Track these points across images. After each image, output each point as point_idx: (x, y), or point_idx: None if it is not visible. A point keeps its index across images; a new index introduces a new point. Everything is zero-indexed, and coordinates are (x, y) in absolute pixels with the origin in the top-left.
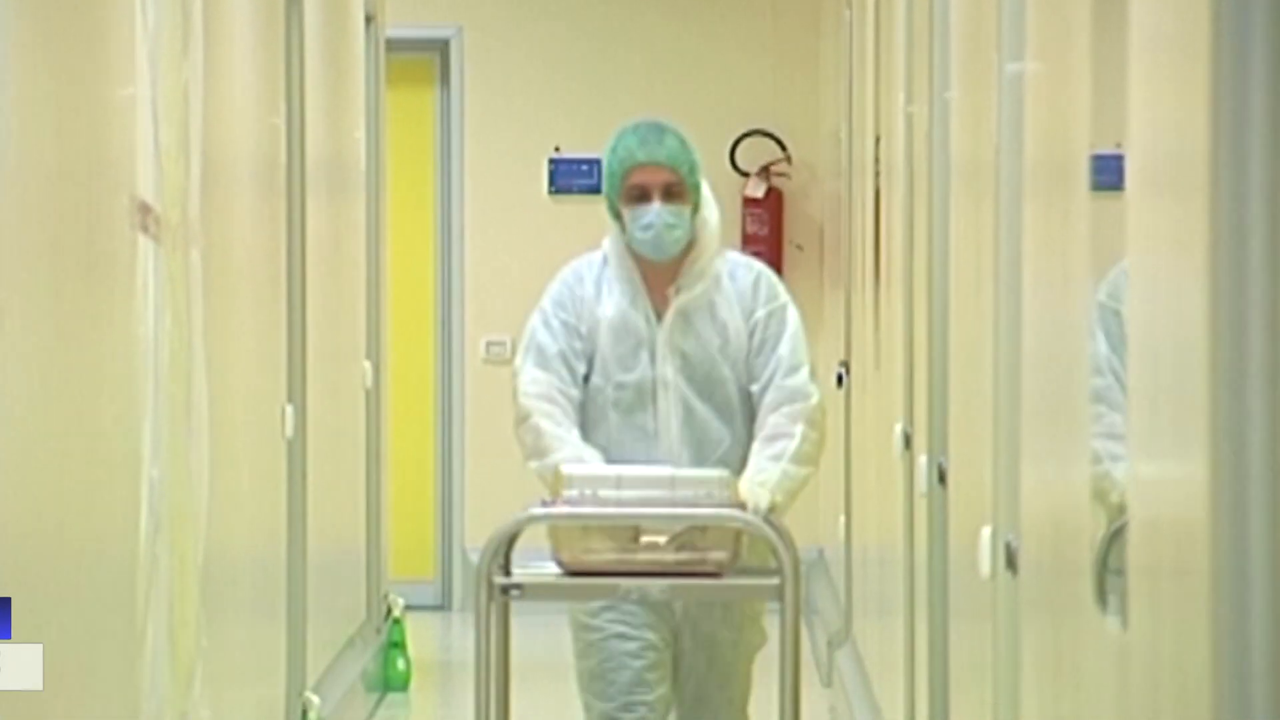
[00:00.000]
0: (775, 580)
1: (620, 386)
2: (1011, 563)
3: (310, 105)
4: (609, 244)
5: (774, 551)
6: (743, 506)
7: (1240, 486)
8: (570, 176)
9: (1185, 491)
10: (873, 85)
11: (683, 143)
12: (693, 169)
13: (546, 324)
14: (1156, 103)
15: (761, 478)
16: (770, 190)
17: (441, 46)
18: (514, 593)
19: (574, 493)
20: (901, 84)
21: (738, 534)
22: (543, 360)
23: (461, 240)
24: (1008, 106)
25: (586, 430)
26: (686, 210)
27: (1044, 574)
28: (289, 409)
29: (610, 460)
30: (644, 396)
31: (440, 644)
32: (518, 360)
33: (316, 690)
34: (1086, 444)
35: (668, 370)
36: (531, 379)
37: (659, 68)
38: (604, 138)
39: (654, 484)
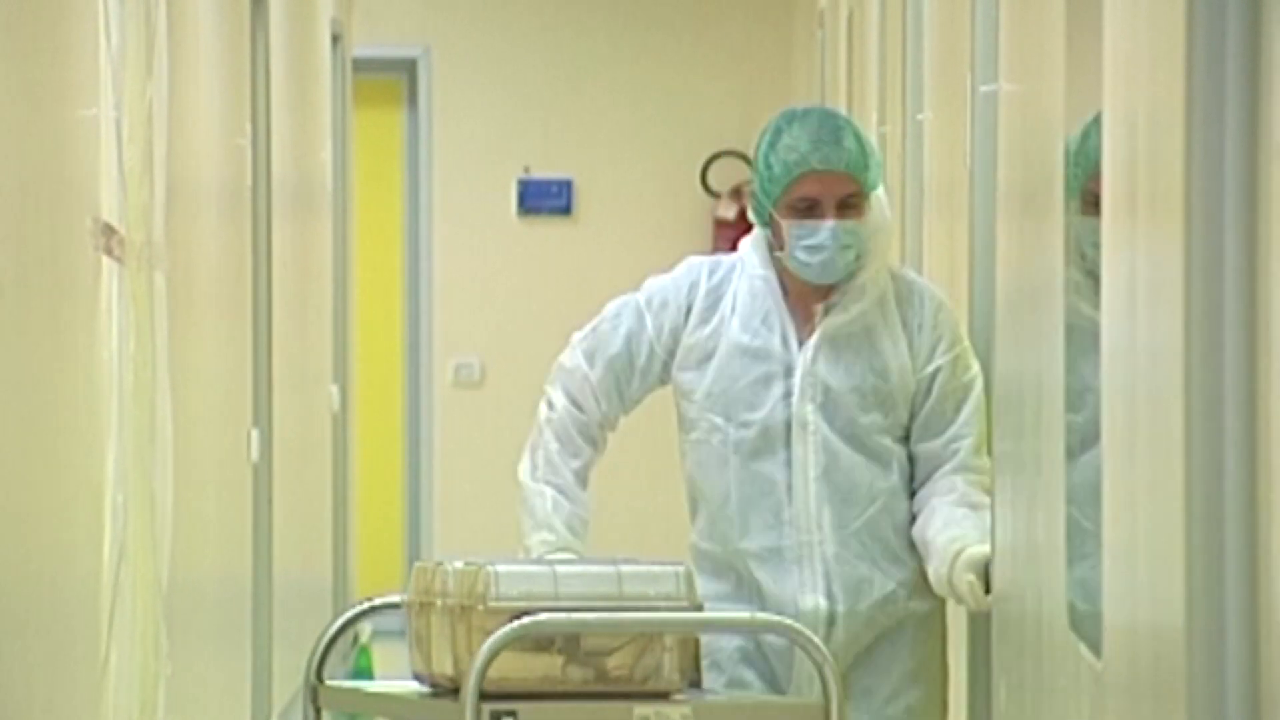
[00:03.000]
0: (820, 700)
1: (745, 426)
2: (988, 586)
3: (276, 126)
4: (749, 250)
5: (819, 667)
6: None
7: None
8: (540, 197)
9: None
10: (845, 106)
11: (861, 141)
12: (873, 171)
13: (619, 327)
14: (1131, 122)
15: (972, 555)
16: (742, 211)
17: (409, 66)
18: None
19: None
20: (874, 104)
21: (695, 644)
22: (581, 384)
23: (429, 262)
24: (981, 127)
25: (699, 482)
26: (863, 225)
27: (1015, 592)
28: (255, 433)
29: (731, 519)
30: (774, 440)
31: (408, 671)
32: (564, 356)
33: (282, 717)
34: (1060, 465)
35: (807, 409)
36: (558, 405)
37: (629, 87)
38: (574, 158)
39: (598, 580)
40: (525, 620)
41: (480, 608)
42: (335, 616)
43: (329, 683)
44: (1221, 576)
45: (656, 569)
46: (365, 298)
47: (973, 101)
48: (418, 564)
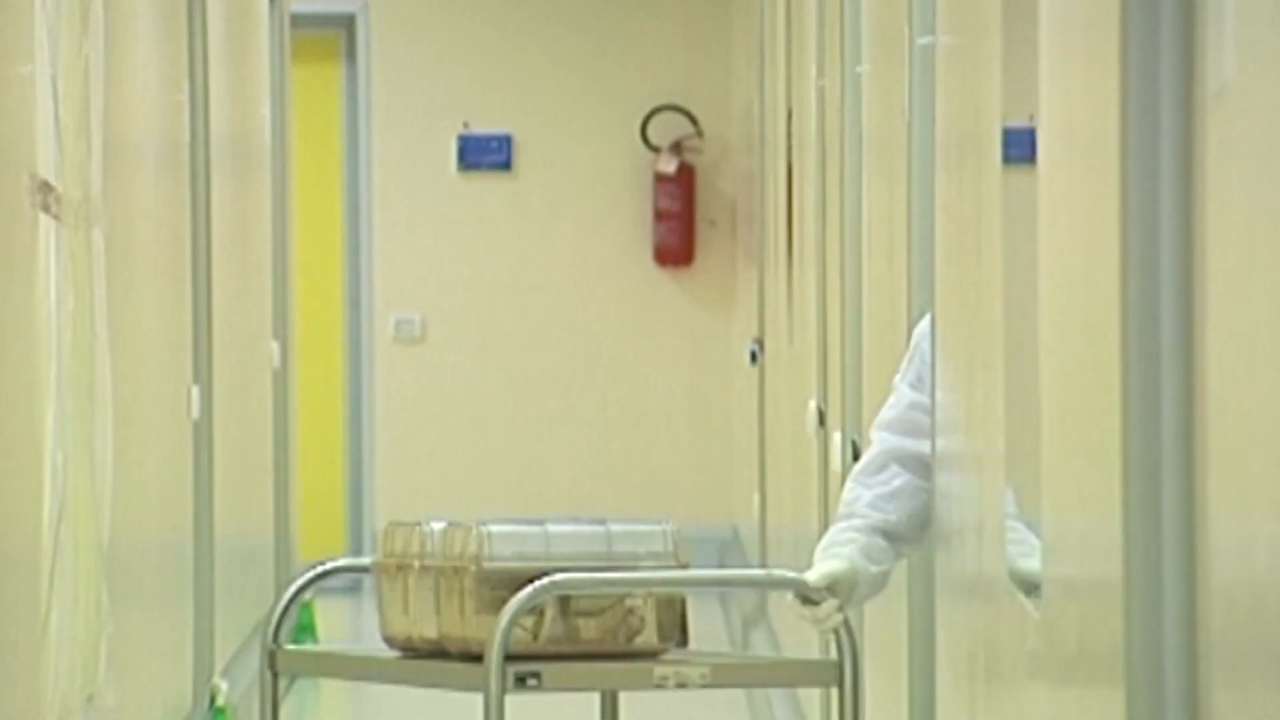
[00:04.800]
0: (832, 658)
1: None
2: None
3: (214, 82)
4: None
5: (836, 628)
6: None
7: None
8: (479, 153)
9: (1099, 483)
10: (784, 59)
11: None
12: None
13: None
14: (1068, 75)
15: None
16: (682, 166)
17: (347, 22)
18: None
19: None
20: (813, 58)
21: (681, 604)
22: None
23: (369, 218)
24: (919, 80)
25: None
26: None
27: (954, 547)
28: (195, 390)
29: None
30: None
31: (350, 627)
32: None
33: (225, 675)
34: (1000, 417)
35: None
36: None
37: (569, 42)
38: (513, 114)
39: (589, 540)
40: (558, 578)
41: (473, 568)
42: (278, 573)
43: (288, 647)
44: (1158, 527)
45: (643, 528)
46: (305, 254)
47: (911, 54)
48: (390, 524)
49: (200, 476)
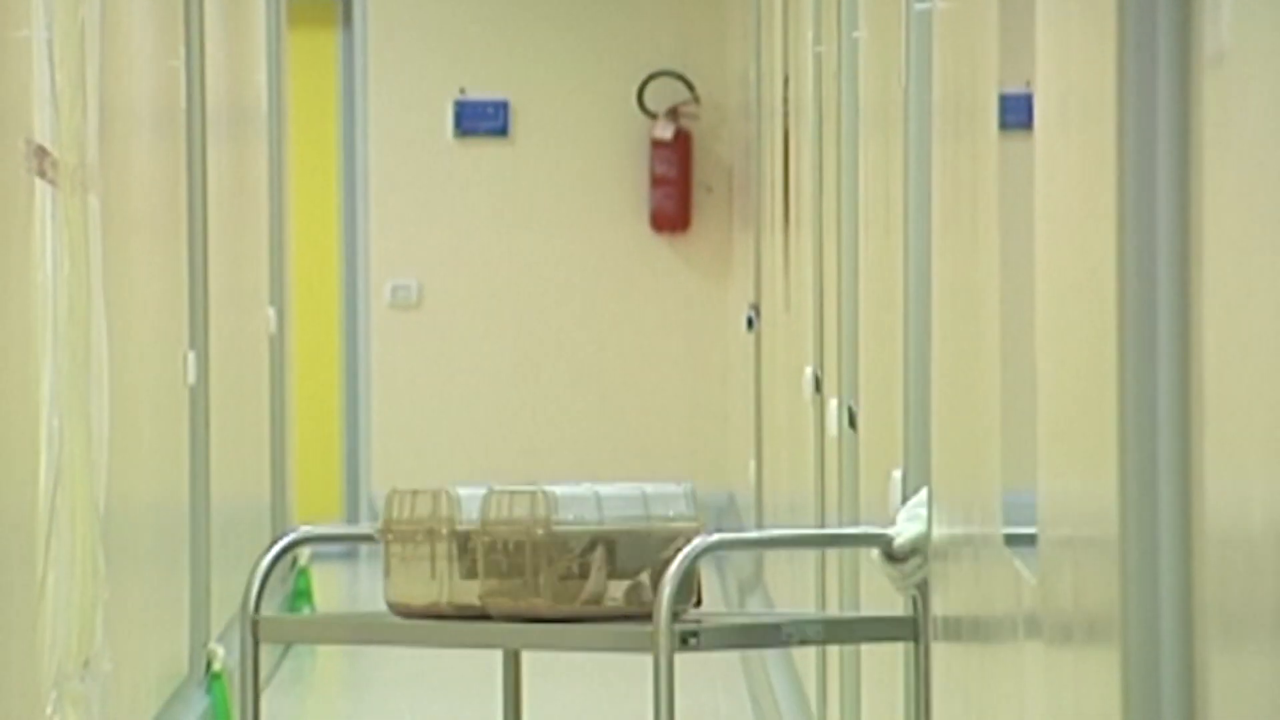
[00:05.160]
0: (909, 615)
1: None
2: None
3: (210, 47)
4: None
5: (917, 585)
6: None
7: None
8: (475, 119)
9: (1094, 454)
10: (781, 25)
11: None
12: None
13: None
14: (1065, 41)
15: None
16: (679, 132)
17: None
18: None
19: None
20: (810, 23)
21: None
22: None
23: (365, 184)
24: (916, 46)
25: None
26: None
27: (954, 518)
28: (191, 355)
29: None
30: None
31: (347, 593)
32: None
33: (221, 640)
34: (996, 385)
35: None
36: None
37: (565, 8)
38: (510, 80)
39: (629, 503)
40: (713, 538)
41: (541, 531)
42: (274, 538)
43: (268, 614)
44: (1154, 488)
45: (668, 489)
46: (301, 220)
47: (908, 20)
48: (395, 490)
49: (196, 442)
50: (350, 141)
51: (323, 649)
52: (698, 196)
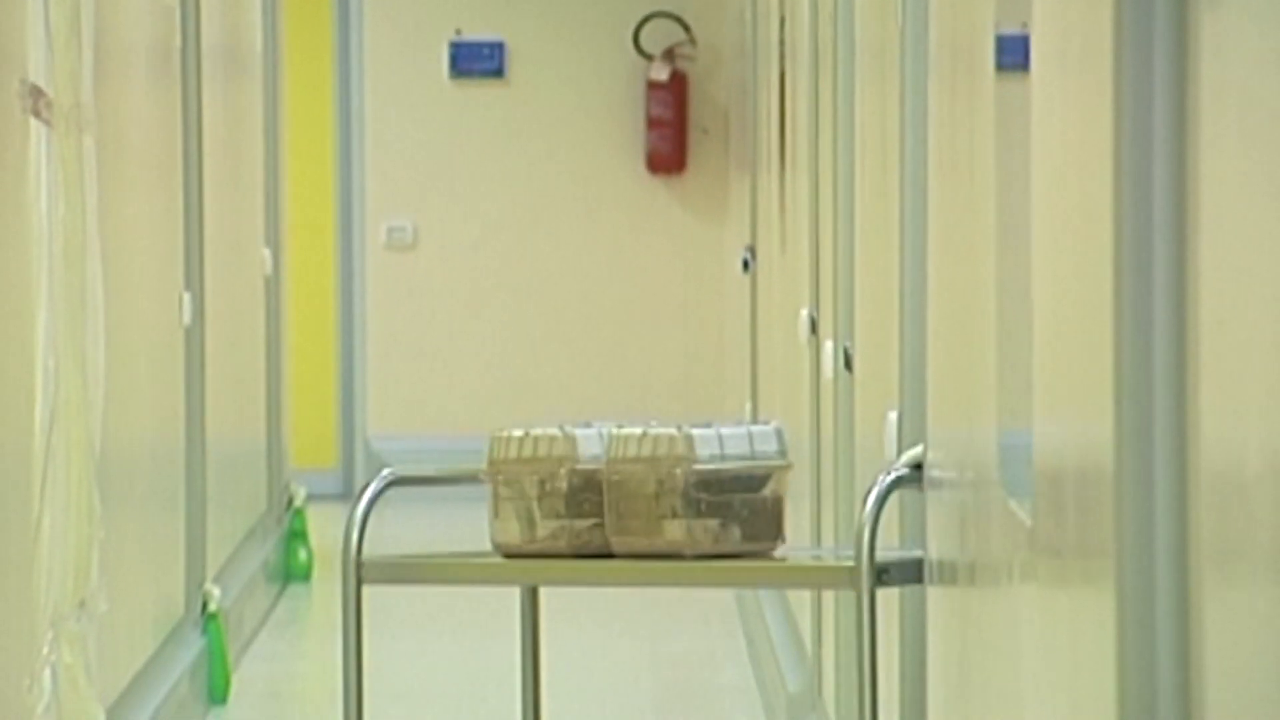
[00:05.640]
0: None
1: None
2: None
3: None
4: None
5: None
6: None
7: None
8: (471, 60)
9: (1091, 397)
10: None
11: None
12: None
13: None
14: None
15: None
16: (675, 74)
17: None
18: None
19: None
20: None
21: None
22: None
23: (361, 125)
24: None
25: None
26: None
27: (951, 458)
28: (187, 296)
29: None
30: None
31: (342, 533)
32: None
33: (217, 581)
34: (992, 326)
35: None
36: None
37: None
38: (506, 21)
39: (740, 440)
40: (893, 476)
41: (678, 470)
42: (270, 479)
43: (374, 557)
44: (1150, 426)
45: (757, 429)
46: (297, 160)
47: None
48: (499, 434)
49: (192, 382)
50: (346, 82)
51: (318, 590)
52: (693, 138)
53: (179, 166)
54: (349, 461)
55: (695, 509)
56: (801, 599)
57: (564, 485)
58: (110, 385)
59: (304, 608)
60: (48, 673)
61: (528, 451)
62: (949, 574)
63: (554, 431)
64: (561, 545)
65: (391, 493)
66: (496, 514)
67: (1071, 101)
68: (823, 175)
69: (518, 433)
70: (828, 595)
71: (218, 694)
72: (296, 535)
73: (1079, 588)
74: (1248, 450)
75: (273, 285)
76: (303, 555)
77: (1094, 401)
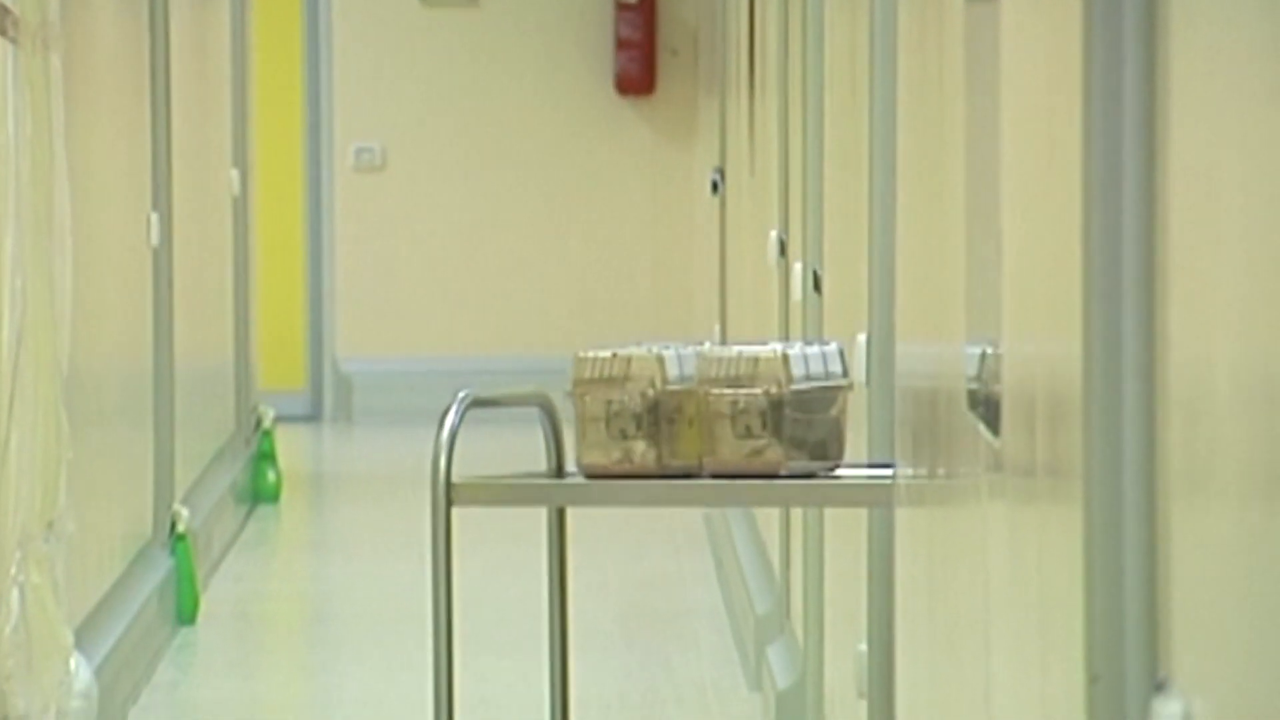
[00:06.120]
0: None
1: None
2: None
3: None
4: None
5: None
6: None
7: (1114, 316)
8: None
9: (1059, 314)
10: None
11: None
12: None
13: None
14: None
15: None
16: None
17: None
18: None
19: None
20: None
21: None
22: None
23: (329, 45)
24: None
25: None
26: None
27: (916, 375)
28: (154, 217)
29: None
30: None
31: (311, 455)
32: None
33: (185, 502)
34: (961, 247)
35: None
36: None
37: None
38: None
39: (819, 359)
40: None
41: (774, 390)
42: (238, 401)
43: (466, 479)
44: (1119, 346)
45: (826, 349)
46: (264, 81)
47: None
48: (595, 353)
49: (160, 303)
50: (314, 3)
51: (287, 511)
52: (662, 60)
53: (146, 86)
54: (317, 383)
55: (784, 429)
56: (770, 522)
57: (652, 405)
58: (78, 306)
59: (272, 528)
60: (15, 593)
61: (615, 371)
62: (917, 494)
63: (641, 351)
64: (650, 465)
65: (385, 414)
66: (583, 435)
67: (1041, 22)
68: (792, 97)
69: (604, 353)
70: (795, 515)
71: (186, 614)
72: (265, 457)
73: (1047, 506)
74: (1215, 368)
75: (240, 206)
76: (271, 476)
77: (1063, 320)
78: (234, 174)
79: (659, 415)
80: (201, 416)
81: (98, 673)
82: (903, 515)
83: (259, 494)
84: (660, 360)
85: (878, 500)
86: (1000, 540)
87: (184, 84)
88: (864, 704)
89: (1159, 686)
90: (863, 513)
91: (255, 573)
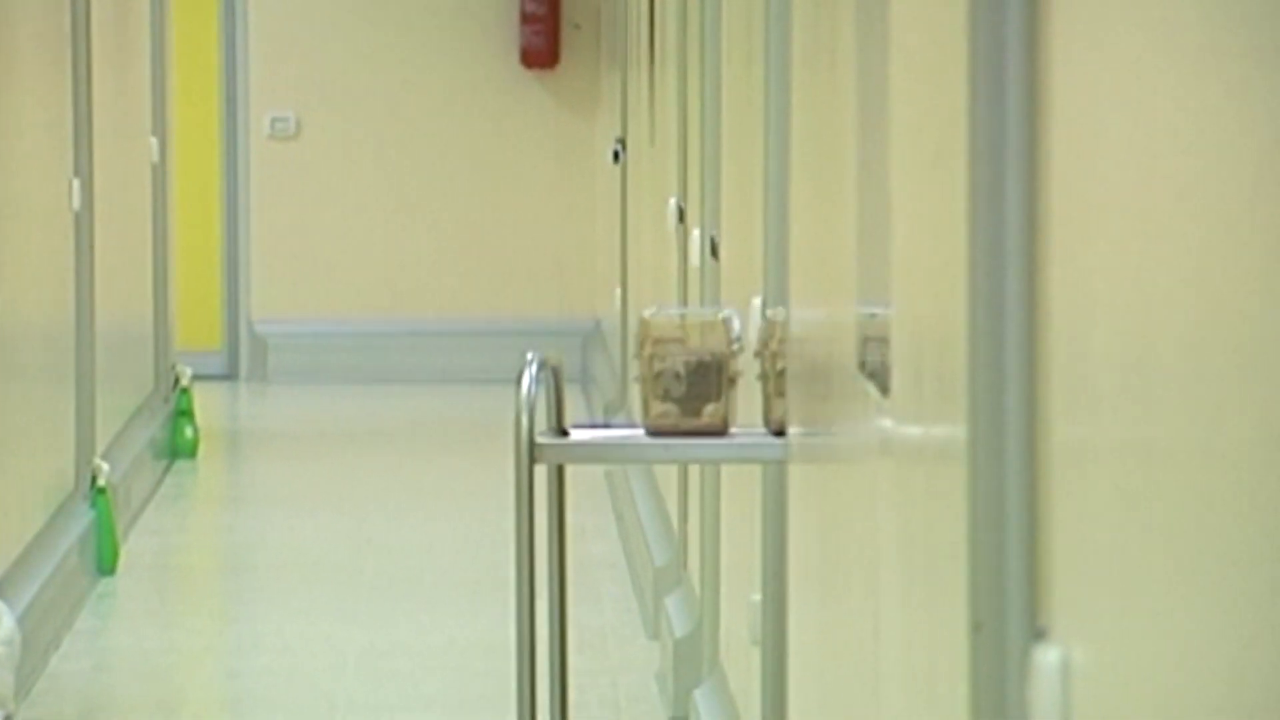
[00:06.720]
0: None
1: None
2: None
3: None
4: None
5: None
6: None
7: (998, 275)
8: None
9: (944, 261)
10: None
11: None
12: None
13: None
14: None
15: None
16: None
17: None
18: None
19: None
20: None
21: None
22: None
23: (245, 19)
24: None
25: None
26: None
27: (808, 340)
28: (76, 183)
29: None
30: None
31: (226, 412)
32: None
33: (106, 457)
34: (851, 213)
35: None
36: None
37: None
38: None
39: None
40: None
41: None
42: (157, 360)
43: (552, 439)
44: (1002, 312)
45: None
46: (182, 53)
47: None
48: (651, 314)
49: (81, 266)
50: None
51: (204, 466)
52: (566, 34)
53: (67, 57)
54: (233, 344)
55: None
56: (669, 478)
57: (716, 366)
58: (1, 265)
59: (190, 483)
60: None
61: (684, 333)
62: (809, 452)
63: (707, 314)
64: (719, 424)
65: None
66: (652, 394)
67: (929, 2)
68: (690, 70)
69: (674, 314)
70: (693, 471)
71: (106, 565)
72: (183, 414)
73: (933, 462)
74: (1094, 329)
75: (159, 173)
76: (189, 433)
77: (948, 284)
78: (153, 142)
79: (711, 375)
80: (121, 375)
81: (21, 620)
82: (795, 472)
83: (177, 450)
84: (728, 323)
85: (771, 457)
86: (888, 495)
87: (104, 55)
88: (757, 651)
89: (1038, 635)
90: (757, 469)
91: (173, 525)
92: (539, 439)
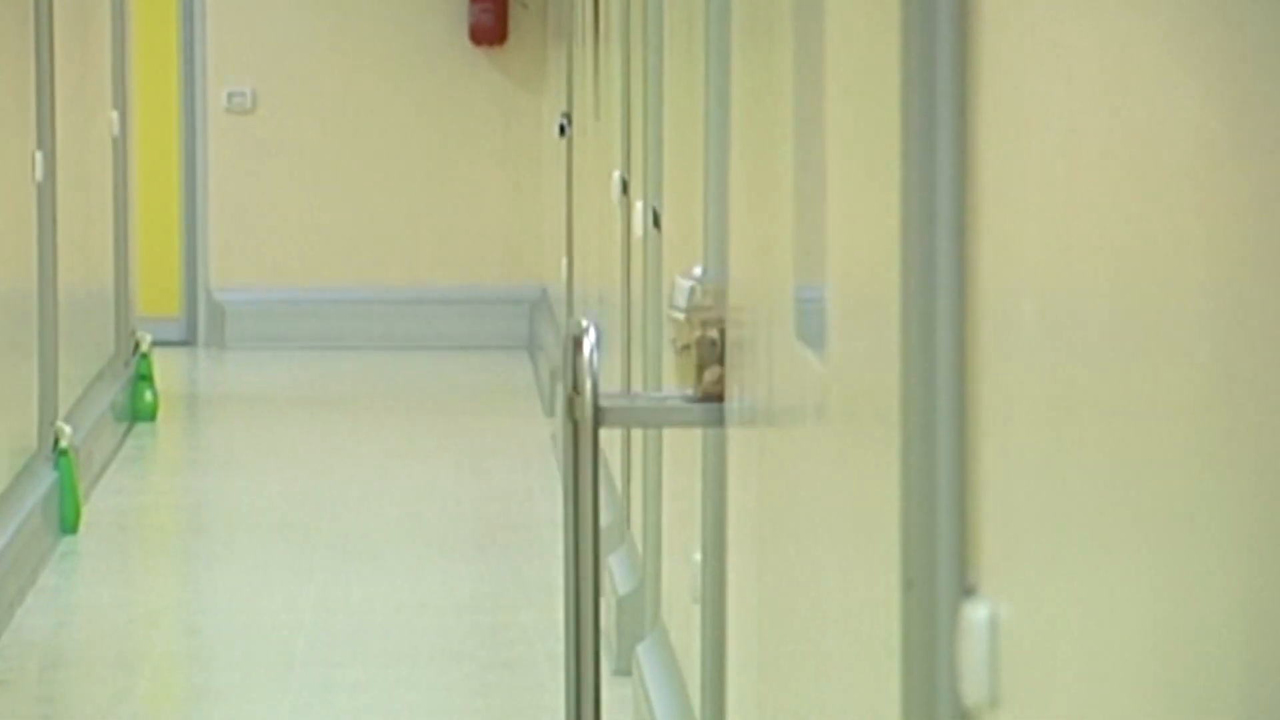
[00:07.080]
0: None
1: None
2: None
3: None
4: None
5: None
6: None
7: (929, 241)
8: None
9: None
10: None
11: None
12: None
13: None
14: None
15: None
16: None
17: None
18: None
19: None
20: None
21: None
22: None
23: None
24: None
25: None
26: None
27: (748, 307)
28: (39, 155)
29: None
30: None
31: (186, 377)
32: None
33: (68, 420)
34: (790, 184)
35: None
36: None
37: None
38: None
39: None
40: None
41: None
42: (118, 326)
43: (615, 403)
44: (933, 282)
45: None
46: (142, 28)
47: None
48: (710, 281)
49: (44, 235)
50: None
51: (163, 429)
52: (514, 12)
53: (30, 29)
54: (192, 311)
55: None
56: (612, 440)
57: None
58: None
59: (150, 445)
60: None
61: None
62: (748, 415)
63: (713, 280)
64: (724, 389)
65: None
66: (707, 359)
67: None
68: (634, 46)
69: (710, 280)
70: (636, 435)
71: (68, 524)
72: (143, 378)
73: (867, 426)
74: (1021, 296)
75: (120, 146)
76: (149, 396)
77: (882, 255)
78: (114, 115)
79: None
80: (83, 340)
81: None
82: (734, 435)
83: (137, 413)
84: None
85: (711, 421)
86: (824, 458)
87: (66, 31)
88: (698, 608)
89: (968, 592)
90: (698, 433)
91: (134, 486)
92: (603, 402)
